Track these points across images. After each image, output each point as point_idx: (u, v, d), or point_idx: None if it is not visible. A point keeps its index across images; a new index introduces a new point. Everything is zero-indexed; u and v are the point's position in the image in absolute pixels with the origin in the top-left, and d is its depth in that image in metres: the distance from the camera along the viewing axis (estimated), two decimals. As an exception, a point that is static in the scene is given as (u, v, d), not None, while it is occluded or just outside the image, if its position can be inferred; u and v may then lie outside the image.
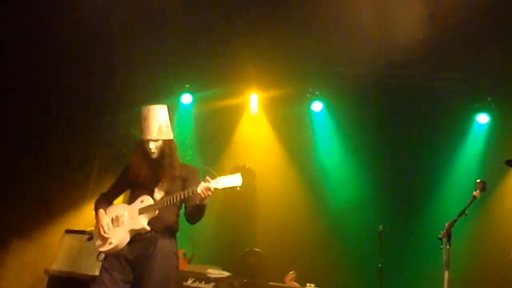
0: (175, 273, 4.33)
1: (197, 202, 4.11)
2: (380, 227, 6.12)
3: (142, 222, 4.19)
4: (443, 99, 7.79)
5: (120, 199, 4.73)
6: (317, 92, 8.33)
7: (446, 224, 4.47)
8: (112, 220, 4.32)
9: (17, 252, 6.73)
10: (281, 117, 8.48)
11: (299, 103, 8.40)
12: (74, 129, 7.62)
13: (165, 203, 4.19)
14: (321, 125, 8.47)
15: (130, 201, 4.34)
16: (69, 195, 7.59)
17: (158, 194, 4.28)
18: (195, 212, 4.24)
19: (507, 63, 7.13)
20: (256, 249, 7.41)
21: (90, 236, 5.17)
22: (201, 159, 8.09)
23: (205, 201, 4.11)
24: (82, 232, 6.53)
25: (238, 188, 4.05)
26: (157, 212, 4.21)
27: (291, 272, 6.97)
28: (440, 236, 4.43)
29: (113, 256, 4.23)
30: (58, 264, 6.37)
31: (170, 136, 4.35)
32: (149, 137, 4.27)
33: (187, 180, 4.31)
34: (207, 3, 7.14)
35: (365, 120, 7.98)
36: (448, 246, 4.39)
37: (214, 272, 6.81)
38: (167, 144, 4.32)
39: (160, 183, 4.30)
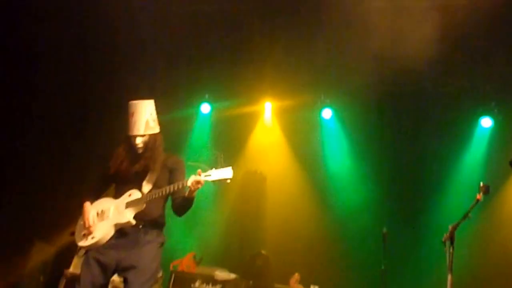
0: (159, 260, 4.02)
1: (186, 194, 3.87)
2: (384, 229, 5.90)
3: (128, 216, 3.90)
4: (448, 105, 7.62)
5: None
6: (327, 100, 8.24)
7: (450, 227, 4.30)
8: (98, 214, 4.02)
9: (37, 253, 6.65)
10: (292, 124, 8.38)
11: (310, 111, 8.29)
12: (95, 136, 7.57)
13: (154, 196, 3.93)
14: (331, 131, 8.36)
15: (118, 195, 4.04)
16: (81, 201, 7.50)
17: (146, 187, 3.99)
18: (183, 204, 3.98)
19: (510, 68, 6.98)
20: (263, 252, 7.28)
21: (73, 231, 4.66)
22: (216, 163, 7.95)
23: (194, 194, 3.86)
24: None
25: (228, 181, 3.78)
26: (144, 205, 3.93)
27: (296, 274, 6.82)
28: (443, 239, 4.27)
29: (95, 252, 3.93)
30: (75, 267, 6.18)
31: (156, 130, 4.10)
32: (136, 133, 4.02)
33: (173, 171, 4.03)
34: (225, 18, 7.16)
35: (372, 126, 7.84)
36: (451, 249, 4.22)
37: (221, 274, 6.62)
38: (153, 138, 4.05)
39: (147, 177, 4.03)
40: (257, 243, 7.67)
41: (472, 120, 7.76)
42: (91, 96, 7.77)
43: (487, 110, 7.66)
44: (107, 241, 3.91)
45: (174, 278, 6.36)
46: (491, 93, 7.56)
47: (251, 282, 6.67)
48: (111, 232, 3.93)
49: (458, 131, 7.73)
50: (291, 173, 8.22)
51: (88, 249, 3.97)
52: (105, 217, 3.99)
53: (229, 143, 8.35)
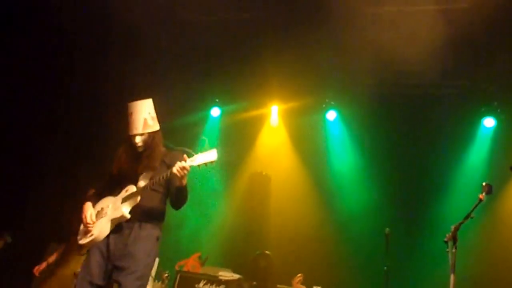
0: (154, 258, 3.86)
1: (177, 183, 3.68)
2: (387, 229, 5.61)
3: (123, 210, 3.77)
4: (450, 105, 7.38)
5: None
6: (332, 102, 8.05)
7: (452, 227, 4.00)
8: (98, 212, 3.93)
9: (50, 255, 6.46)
10: (298, 126, 8.20)
11: (315, 113, 8.10)
12: (108, 140, 7.49)
13: (146, 189, 3.79)
14: (335, 133, 8.14)
15: (117, 193, 3.92)
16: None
17: (142, 182, 3.85)
18: (176, 195, 3.81)
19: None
20: (267, 252, 7.06)
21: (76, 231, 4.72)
22: (225, 165, 7.83)
23: (184, 182, 3.66)
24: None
25: (213, 163, 3.56)
26: (138, 198, 3.78)
27: (299, 275, 6.56)
28: (446, 239, 3.97)
29: (95, 249, 3.81)
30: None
31: (155, 128, 3.97)
32: (135, 132, 3.91)
33: (171, 166, 3.77)
34: (234, 27, 7.11)
35: (376, 127, 7.59)
36: (454, 249, 3.92)
37: (225, 275, 6.40)
38: (151, 136, 3.93)
39: (144, 173, 3.89)
40: (261, 244, 7.41)
41: (475, 120, 7.47)
42: (106, 100, 7.69)
43: (490, 110, 7.37)
44: (105, 237, 3.80)
45: (179, 278, 6.17)
46: (493, 93, 7.29)
47: (254, 282, 6.40)
48: (107, 227, 3.80)
49: (461, 131, 7.44)
50: (296, 174, 8.02)
51: (88, 246, 3.87)
52: (103, 214, 3.89)
53: (237, 144, 8.21)
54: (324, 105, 8.08)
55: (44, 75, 7.14)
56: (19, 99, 7.02)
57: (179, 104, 8.09)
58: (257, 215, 7.82)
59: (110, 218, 3.82)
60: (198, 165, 3.58)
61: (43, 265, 5.88)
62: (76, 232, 5.65)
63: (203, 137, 7.83)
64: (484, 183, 4.09)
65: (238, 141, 8.23)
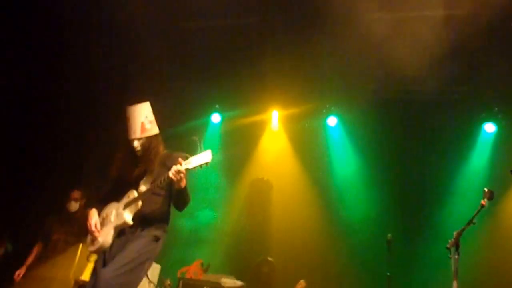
0: (149, 254, 3.79)
1: (176, 186, 3.70)
2: (389, 235, 5.62)
3: (125, 216, 3.79)
4: (451, 110, 7.41)
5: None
6: (333, 108, 8.07)
7: (454, 233, 4.05)
8: (103, 219, 3.95)
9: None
10: (298, 132, 8.22)
11: (316, 118, 8.14)
12: (109, 148, 7.51)
13: (148, 193, 3.81)
14: (336, 139, 8.17)
15: (120, 198, 3.93)
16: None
17: (143, 187, 3.87)
18: (177, 197, 3.82)
19: (512, 73, 6.79)
20: (269, 258, 7.07)
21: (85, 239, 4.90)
22: (226, 172, 7.88)
23: (182, 185, 3.67)
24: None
25: (208, 164, 3.56)
26: (140, 204, 3.80)
27: (301, 281, 6.58)
28: (448, 246, 4.02)
29: (100, 256, 3.85)
30: (86, 275, 5.90)
31: (154, 131, 3.96)
32: (132, 136, 3.92)
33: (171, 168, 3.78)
34: (234, 33, 7.12)
35: (377, 133, 7.61)
36: (456, 256, 3.97)
37: (228, 281, 6.40)
38: (149, 140, 3.93)
39: (145, 177, 3.91)
40: (263, 250, 7.48)
41: (476, 126, 7.51)
42: (106, 105, 7.73)
43: (490, 116, 7.42)
44: (111, 244, 3.82)
45: (181, 285, 6.18)
46: (494, 99, 7.34)
47: (256, 289, 6.47)
48: (111, 234, 3.82)
49: (462, 137, 7.48)
50: (298, 180, 8.03)
51: (95, 253, 3.89)
52: (108, 221, 3.91)
53: (238, 151, 8.24)
54: (324, 111, 8.10)
55: (44, 79, 7.17)
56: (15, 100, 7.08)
57: (179, 111, 8.11)
58: (259, 221, 7.85)
59: (114, 225, 3.85)
60: (194, 168, 3.60)
61: (23, 269, 5.90)
62: (54, 233, 5.73)
63: (194, 137, 7.84)
64: (485, 189, 4.13)
65: (239, 147, 8.24)
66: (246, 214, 7.84)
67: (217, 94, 8.28)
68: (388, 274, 5.55)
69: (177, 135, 8.27)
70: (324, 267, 7.34)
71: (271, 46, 7.14)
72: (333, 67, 7.32)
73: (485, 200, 4.11)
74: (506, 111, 7.33)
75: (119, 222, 3.82)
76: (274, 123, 8.32)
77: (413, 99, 7.57)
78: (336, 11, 6.18)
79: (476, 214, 4.10)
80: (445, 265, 4.18)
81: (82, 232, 6.16)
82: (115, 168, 3.99)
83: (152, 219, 3.86)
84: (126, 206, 3.84)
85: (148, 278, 5.37)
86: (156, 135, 3.98)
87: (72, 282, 5.76)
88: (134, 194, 3.85)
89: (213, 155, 3.57)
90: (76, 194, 6.25)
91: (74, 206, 6.22)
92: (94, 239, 3.89)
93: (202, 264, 6.74)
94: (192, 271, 6.56)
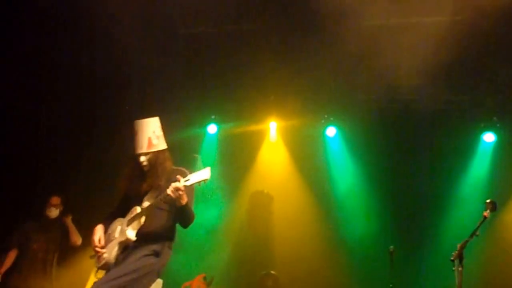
0: (148, 269, 3.80)
1: (177, 203, 3.74)
2: (391, 247, 5.59)
3: (128, 233, 3.83)
4: (450, 120, 7.47)
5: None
6: (331, 118, 8.08)
7: (458, 246, 4.07)
8: (109, 235, 4.00)
9: (54, 277, 6.41)
10: (297, 143, 8.19)
11: (314, 129, 8.12)
12: (106, 159, 7.52)
13: (151, 208, 3.85)
14: (335, 150, 8.17)
15: (125, 214, 3.99)
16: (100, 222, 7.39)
17: (147, 203, 3.90)
18: (179, 214, 3.87)
19: (510, 82, 6.87)
20: (273, 272, 7.07)
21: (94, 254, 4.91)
22: (224, 184, 7.87)
23: (183, 202, 3.71)
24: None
25: (206, 181, 3.65)
26: (142, 220, 3.84)
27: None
28: (452, 258, 4.03)
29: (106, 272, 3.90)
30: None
31: (161, 146, 4.01)
32: (139, 151, 3.96)
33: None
34: (230, 41, 7.17)
35: (376, 143, 7.62)
36: (460, 268, 3.99)
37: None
38: (156, 155, 3.97)
39: (150, 193, 3.95)
40: (267, 263, 7.47)
41: (475, 136, 7.54)
42: (101, 116, 7.74)
43: (489, 125, 7.45)
44: (116, 260, 3.84)
45: (184, 300, 6.17)
46: (492, 108, 7.39)
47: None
48: (116, 251, 3.86)
49: (461, 147, 7.51)
50: (298, 192, 8.02)
51: (102, 269, 3.94)
52: (113, 237, 3.95)
53: (236, 163, 8.22)
54: (323, 121, 8.09)
55: (27, 81, 7.18)
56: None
57: (173, 120, 8.12)
58: (261, 234, 7.86)
59: (118, 241, 3.88)
60: (192, 185, 3.66)
61: None
62: (33, 241, 5.76)
63: (195, 155, 7.84)
64: (488, 200, 4.17)
65: (236, 159, 8.22)
66: (247, 227, 7.84)
67: (213, 104, 8.24)
68: (391, 286, 5.54)
69: (171, 145, 8.31)
70: (328, 279, 7.36)
71: (268, 55, 7.14)
72: (332, 76, 7.35)
73: (488, 212, 4.15)
74: (505, 121, 7.37)
75: (123, 238, 3.86)
76: (272, 134, 8.30)
77: (412, 109, 7.60)
78: (335, 21, 6.25)
79: (479, 226, 4.12)
80: (448, 276, 4.19)
81: (63, 241, 6.19)
82: (123, 183, 4.03)
83: (156, 235, 3.88)
84: (129, 222, 3.88)
85: None
86: (163, 151, 4.01)
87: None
88: (137, 210, 3.89)
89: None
90: (56, 200, 6.25)
91: (54, 212, 6.22)
92: (100, 255, 3.92)
93: (205, 278, 6.71)
94: (195, 285, 6.52)
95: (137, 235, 3.84)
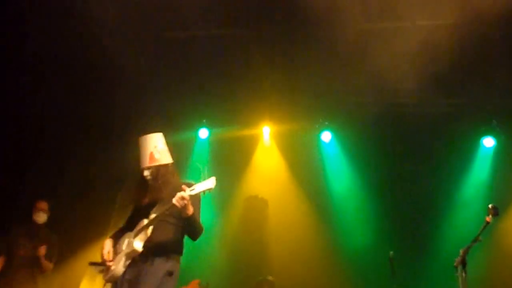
0: None
1: (183, 214, 3.88)
2: (391, 253, 5.45)
3: (134, 245, 3.93)
4: (448, 124, 7.47)
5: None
6: (326, 123, 8.06)
7: (461, 251, 3.98)
8: (117, 248, 4.11)
9: (42, 283, 6.27)
10: (292, 148, 8.19)
11: (309, 134, 8.10)
12: (95, 163, 7.46)
13: (156, 220, 3.96)
14: (331, 154, 8.16)
15: (133, 227, 4.11)
16: (91, 228, 7.35)
17: (153, 215, 4.01)
18: (187, 226, 4.00)
19: (509, 86, 6.86)
20: (270, 278, 7.01)
21: (92, 262, 5.25)
22: (216, 189, 7.78)
23: (188, 212, 3.84)
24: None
25: (211, 190, 3.85)
26: (149, 232, 3.96)
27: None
28: (455, 264, 3.95)
29: (114, 285, 3.99)
30: None
31: (163, 161, 4.17)
32: (143, 165, 4.16)
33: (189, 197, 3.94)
34: (222, 44, 7.12)
35: (374, 148, 7.62)
36: (464, 274, 3.92)
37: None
38: (158, 169, 4.13)
39: (157, 206, 4.05)
40: (262, 269, 7.41)
41: (474, 140, 7.56)
42: (87, 122, 7.67)
43: (489, 130, 7.48)
44: (123, 273, 3.95)
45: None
46: (491, 112, 7.41)
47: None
48: (122, 262, 3.96)
49: (460, 151, 7.52)
50: (293, 197, 7.99)
51: (109, 281, 4.06)
52: (120, 250, 4.07)
53: (228, 168, 8.10)
54: (317, 126, 8.08)
55: (17, 86, 7.11)
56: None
57: (163, 125, 8.13)
58: (256, 239, 7.81)
59: (124, 253, 3.98)
60: (196, 194, 3.81)
61: None
62: (20, 248, 5.78)
63: (198, 164, 7.85)
64: (490, 205, 4.06)
65: (229, 164, 8.14)
66: (242, 232, 7.79)
67: (204, 108, 8.21)
68: (392, 292, 5.50)
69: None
70: (325, 285, 7.30)
71: (260, 59, 7.12)
72: (326, 81, 7.33)
73: (490, 217, 4.09)
74: (504, 125, 7.39)
75: (129, 250, 3.96)
76: (266, 139, 8.30)
77: (409, 113, 7.60)
78: (328, 24, 6.19)
79: (481, 231, 4.04)
80: (450, 282, 4.14)
81: (51, 249, 6.11)
82: (131, 197, 4.23)
83: (164, 248, 3.97)
84: (136, 234, 3.99)
85: None
86: (165, 165, 4.17)
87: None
88: (144, 222, 4.01)
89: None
90: (43, 205, 6.16)
91: (42, 217, 6.13)
92: (108, 268, 4.03)
93: (199, 284, 6.65)
94: (191, 291, 6.47)
95: (144, 247, 3.92)
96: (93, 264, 6.46)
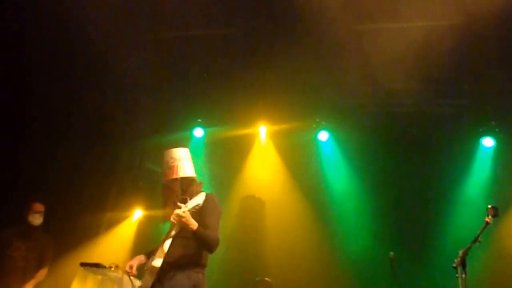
0: None
1: (188, 230, 3.87)
2: (391, 253, 5.45)
3: (153, 262, 3.99)
4: (447, 125, 7.51)
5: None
6: (323, 122, 8.08)
7: (460, 252, 4.03)
8: (147, 264, 4.15)
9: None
10: (289, 148, 8.20)
11: (306, 134, 8.12)
12: (89, 162, 7.46)
13: (173, 238, 3.98)
14: (328, 154, 8.18)
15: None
16: (84, 227, 7.36)
17: (173, 232, 4.02)
18: (197, 241, 3.96)
19: (508, 86, 6.90)
20: (267, 279, 7.02)
21: (83, 262, 5.35)
22: (212, 189, 7.78)
23: (192, 227, 3.83)
24: (97, 265, 6.17)
25: (199, 206, 3.89)
26: (165, 247, 3.98)
27: None
28: (454, 265, 4.00)
29: None
30: None
31: (180, 174, 4.15)
32: (163, 179, 4.19)
33: (201, 209, 3.95)
34: (218, 43, 7.14)
35: (372, 148, 7.65)
36: (463, 275, 3.96)
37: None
38: (174, 183, 4.12)
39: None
40: (259, 270, 7.43)
41: (474, 140, 7.60)
42: (81, 121, 7.65)
43: (488, 130, 7.52)
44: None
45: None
46: (490, 112, 7.45)
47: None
48: (149, 279, 3.98)
49: (460, 151, 7.54)
50: (291, 197, 8.00)
51: None
52: (148, 266, 4.10)
53: (224, 167, 8.20)
54: (314, 125, 8.11)
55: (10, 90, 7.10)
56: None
57: (156, 123, 8.20)
58: (253, 240, 7.85)
59: (149, 271, 4.02)
60: (189, 210, 3.85)
61: None
62: (13, 248, 5.88)
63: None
64: (489, 206, 4.14)
65: (225, 164, 8.20)
66: (239, 232, 7.80)
67: (199, 107, 8.22)
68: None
69: (155, 149, 8.27)
70: (324, 286, 7.32)
71: (256, 58, 7.16)
72: (323, 80, 7.36)
73: (490, 217, 4.12)
74: (503, 124, 7.43)
75: (149, 265, 4.03)
76: (262, 139, 8.31)
77: (408, 113, 7.63)
78: (325, 24, 6.26)
79: (481, 232, 4.09)
80: (451, 283, 4.18)
81: (45, 253, 6.10)
82: (162, 212, 4.21)
83: (182, 262, 3.97)
84: (157, 250, 4.08)
85: None
86: (178, 179, 4.14)
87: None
88: (164, 238, 4.09)
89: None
90: (39, 207, 6.14)
91: (38, 219, 6.11)
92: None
93: None
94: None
95: (164, 263, 3.94)
96: (84, 265, 6.43)
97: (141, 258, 4.18)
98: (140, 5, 6.51)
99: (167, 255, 3.95)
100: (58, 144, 7.49)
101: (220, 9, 6.63)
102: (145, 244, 7.61)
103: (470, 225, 5.37)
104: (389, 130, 7.66)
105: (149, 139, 8.26)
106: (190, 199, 3.96)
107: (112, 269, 5.76)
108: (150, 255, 4.19)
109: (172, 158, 4.18)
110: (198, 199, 3.87)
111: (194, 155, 8.19)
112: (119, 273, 5.58)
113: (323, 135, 8.11)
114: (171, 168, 4.14)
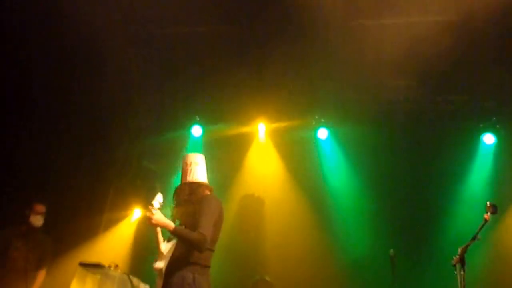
0: None
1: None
2: (391, 250, 5.50)
3: (155, 264, 4.16)
4: (448, 121, 7.55)
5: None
6: (322, 120, 8.10)
7: (459, 250, 4.06)
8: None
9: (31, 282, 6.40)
10: (288, 146, 8.24)
11: (305, 131, 8.16)
12: (87, 161, 7.48)
13: (162, 240, 4.23)
14: (328, 152, 8.21)
15: None
16: (82, 227, 7.40)
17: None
18: (180, 241, 4.13)
19: (508, 82, 6.94)
20: (266, 278, 7.06)
21: (81, 262, 5.51)
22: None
23: (169, 228, 4.00)
24: (96, 265, 6.23)
25: (162, 204, 4.10)
26: (163, 249, 4.17)
27: None
28: (453, 262, 4.03)
29: None
30: None
31: (189, 179, 4.31)
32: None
33: (196, 210, 4.12)
34: (216, 40, 7.15)
35: (371, 145, 7.67)
36: (462, 272, 3.99)
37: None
38: (184, 186, 4.31)
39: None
40: (258, 268, 7.49)
41: (474, 137, 7.63)
42: (78, 120, 7.68)
43: (489, 126, 7.55)
44: None
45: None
46: (491, 109, 7.49)
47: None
48: (159, 279, 4.13)
49: (460, 148, 7.58)
50: (290, 195, 8.04)
51: None
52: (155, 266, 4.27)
53: (223, 166, 8.07)
54: (314, 123, 8.13)
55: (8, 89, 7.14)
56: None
57: (153, 122, 8.23)
58: (252, 238, 7.89)
59: (158, 273, 4.15)
60: (158, 208, 4.04)
61: None
62: (13, 249, 5.93)
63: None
64: (488, 203, 4.14)
65: (224, 162, 8.10)
66: (238, 231, 7.82)
67: (197, 106, 8.25)
68: (392, 290, 5.54)
69: (153, 148, 8.31)
70: (324, 285, 7.37)
71: (254, 55, 7.19)
72: (322, 77, 7.37)
73: (489, 214, 4.14)
74: (504, 121, 7.46)
75: (154, 267, 4.17)
76: (261, 136, 8.33)
77: (407, 110, 7.66)
78: (324, 20, 6.29)
79: (480, 229, 4.12)
80: (450, 280, 4.21)
81: (43, 255, 6.15)
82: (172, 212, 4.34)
83: (180, 262, 4.09)
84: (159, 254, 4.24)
85: None
86: (186, 183, 4.30)
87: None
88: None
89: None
90: (41, 208, 6.17)
91: (39, 220, 6.13)
92: None
93: None
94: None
95: (169, 263, 4.11)
96: (83, 264, 6.47)
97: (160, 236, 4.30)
98: (138, 3, 6.53)
99: (171, 256, 4.11)
100: (55, 143, 7.52)
101: (218, 7, 6.63)
102: (144, 243, 7.67)
103: (470, 222, 5.41)
104: (389, 127, 7.69)
105: (147, 138, 8.31)
106: (194, 202, 4.14)
107: (112, 268, 5.82)
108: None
109: (186, 163, 4.35)
110: (159, 198, 4.06)
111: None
112: (118, 273, 5.65)
113: (323, 133, 8.13)
114: (184, 172, 4.33)
